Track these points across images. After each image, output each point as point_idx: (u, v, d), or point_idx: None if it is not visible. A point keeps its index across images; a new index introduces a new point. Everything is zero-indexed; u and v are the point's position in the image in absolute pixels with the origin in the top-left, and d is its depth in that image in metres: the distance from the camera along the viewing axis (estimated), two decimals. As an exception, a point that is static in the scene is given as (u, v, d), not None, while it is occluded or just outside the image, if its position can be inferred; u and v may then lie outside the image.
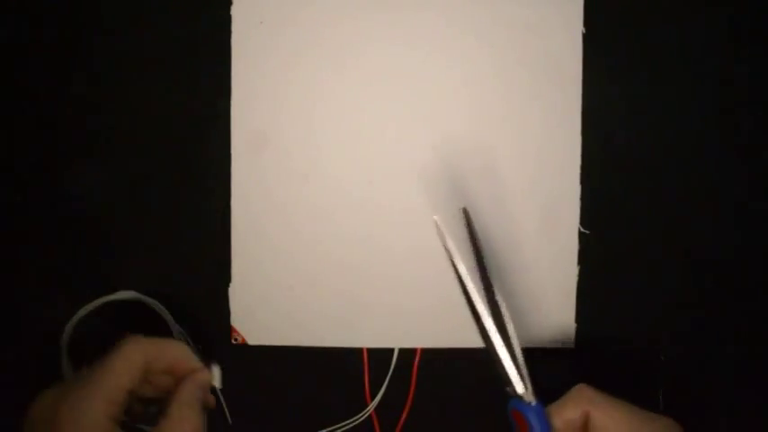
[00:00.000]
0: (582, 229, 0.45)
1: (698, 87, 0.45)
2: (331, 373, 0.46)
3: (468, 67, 0.45)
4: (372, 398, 0.46)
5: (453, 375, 0.46)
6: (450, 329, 0.45)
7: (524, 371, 0.37)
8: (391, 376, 0.46)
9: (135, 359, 0.35)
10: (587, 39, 0.45)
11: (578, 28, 0.44)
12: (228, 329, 0.45)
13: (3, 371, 0.40)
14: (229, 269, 0.45)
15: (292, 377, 0.46)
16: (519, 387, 0.36)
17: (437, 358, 0.46)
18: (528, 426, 0.35)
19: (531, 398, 0.36)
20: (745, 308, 0.46)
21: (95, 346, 0.45)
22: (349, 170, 0.45)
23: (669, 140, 0.46)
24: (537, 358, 0.44)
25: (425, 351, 0.46)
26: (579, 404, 0.36)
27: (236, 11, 0.44)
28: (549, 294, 0.45)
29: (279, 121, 0.45)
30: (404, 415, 0.46)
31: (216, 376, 0.38)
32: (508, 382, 0.37)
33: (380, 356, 0.46)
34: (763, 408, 0.46)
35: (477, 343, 0.45)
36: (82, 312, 0.45)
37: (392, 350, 0.46)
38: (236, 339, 0.45)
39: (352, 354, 0.46)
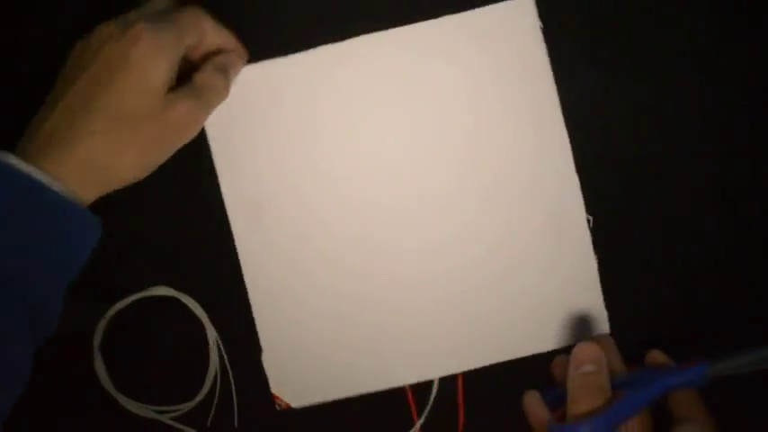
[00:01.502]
0: (589, 219, 0.45)
1: (698, 87, 0.45)
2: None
3: (447, 95, 0.45)
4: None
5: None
6: (489, 345, 0.45)
7: None
8: (434, 406, 0.45)
9: (201, 18, 0.40)
10: (587, 39, 0.45)
11: (535, 24, 0.44)
12: (269, 395, 0.46)
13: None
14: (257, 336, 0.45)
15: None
16: None
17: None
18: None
19: None
20: (745, 307, 0.45)
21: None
22: (355, 214, 0.45)
23: (669, 140, 0.45)
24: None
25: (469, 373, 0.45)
26: None
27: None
28: (573, 290, 0.44)
29: (270, 188, 0.45)
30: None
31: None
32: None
33: (422, 387, 0.46)
34: (764, 408, 0.44)
35: (521, 352, 0.45)
36: (112, 311, 0.45)
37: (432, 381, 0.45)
38: (279, 406, 0.45)
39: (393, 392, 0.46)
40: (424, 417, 0.45)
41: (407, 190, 0.45)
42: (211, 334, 0.45)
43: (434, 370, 0.45)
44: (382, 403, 0.45)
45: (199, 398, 0.46)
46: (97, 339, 0.45)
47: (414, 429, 0.45)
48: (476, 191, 0.45)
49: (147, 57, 0.37)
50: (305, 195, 0.45)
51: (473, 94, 0.44)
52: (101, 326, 0.45)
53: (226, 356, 0.46)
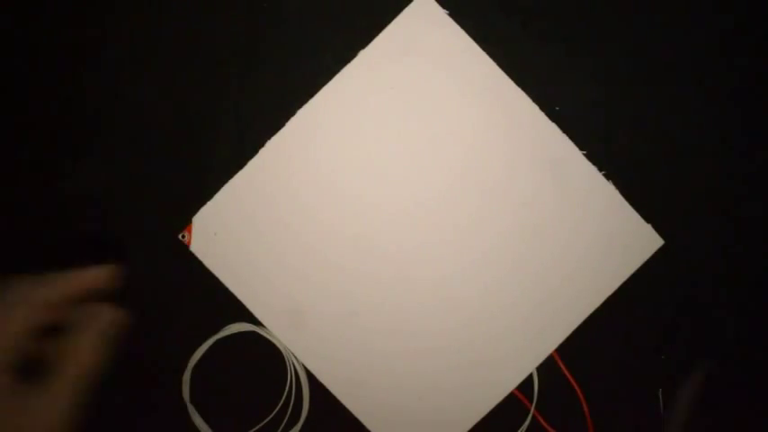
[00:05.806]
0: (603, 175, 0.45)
1: (697, 87, 0.45)
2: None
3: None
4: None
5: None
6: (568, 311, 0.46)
7: None
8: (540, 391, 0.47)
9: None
10: (587, 39, 0.45)
11: (441, 13, 0.44)
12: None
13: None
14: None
15: None
16: None
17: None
18: None
19: None
20: (744, 308, 0.46)
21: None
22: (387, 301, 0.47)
23: (670, 140, 0.46)
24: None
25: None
26: None
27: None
28: (611, 219, 0.45)
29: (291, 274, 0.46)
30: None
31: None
32: None
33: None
34: (764, 408, 0.46)
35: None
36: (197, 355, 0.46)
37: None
38: None
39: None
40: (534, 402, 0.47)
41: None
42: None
43: (532, 362, 0.46)
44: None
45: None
46: (186, 391, 0.47)
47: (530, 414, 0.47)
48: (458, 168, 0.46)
49: None
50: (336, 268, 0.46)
51: (431, 95, 0.45)
52: (186, 377, 0.46)
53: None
